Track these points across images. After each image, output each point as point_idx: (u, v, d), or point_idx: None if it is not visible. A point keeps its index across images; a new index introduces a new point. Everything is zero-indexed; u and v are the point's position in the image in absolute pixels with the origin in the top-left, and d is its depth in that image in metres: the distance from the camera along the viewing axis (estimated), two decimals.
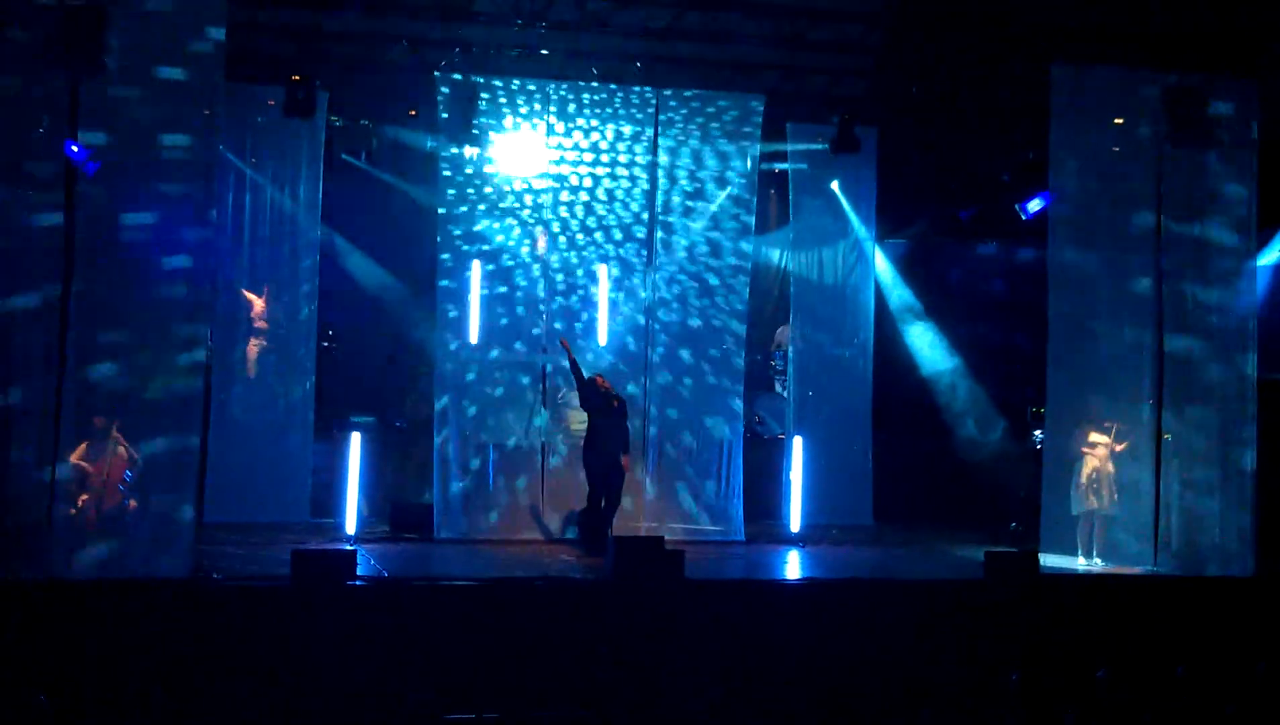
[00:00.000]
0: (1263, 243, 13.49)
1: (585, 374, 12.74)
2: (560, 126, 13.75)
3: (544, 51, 14.02)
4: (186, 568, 10.18)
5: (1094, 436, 12.67)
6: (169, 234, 10.45)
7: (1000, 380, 16.06)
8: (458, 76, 13.47)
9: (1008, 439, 15.77)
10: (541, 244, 13.73)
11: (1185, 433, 12.65)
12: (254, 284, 14.01)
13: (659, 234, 13.99)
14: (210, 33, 10.56)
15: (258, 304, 14.00)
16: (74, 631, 9.26)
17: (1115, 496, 12.56)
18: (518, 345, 13.60)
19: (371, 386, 14.95)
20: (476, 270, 13.51)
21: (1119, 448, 12.62)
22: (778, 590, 11.64)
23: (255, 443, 13.73)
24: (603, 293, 13.85)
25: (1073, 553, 12.66)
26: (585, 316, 13.82)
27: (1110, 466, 12.59)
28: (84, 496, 10.32)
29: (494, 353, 13.51)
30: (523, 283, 13.67)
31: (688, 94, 14.11)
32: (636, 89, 14.02)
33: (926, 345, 16.43)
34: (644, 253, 13.97)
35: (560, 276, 13.77)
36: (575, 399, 13.15)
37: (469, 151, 13.52)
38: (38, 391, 10.08)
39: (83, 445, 10.30)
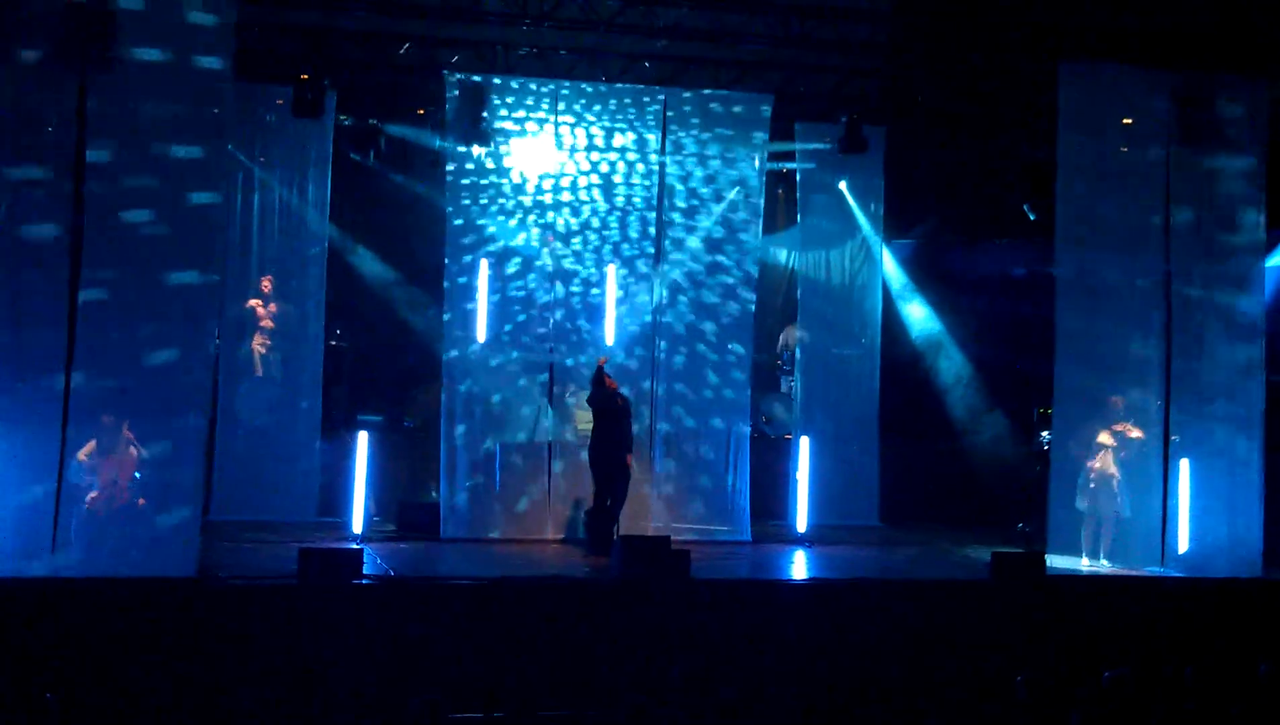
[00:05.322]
0: (1272, 244, 13.44)
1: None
2: (568, 126, 13.75)
3: (552, 51, 14.02)
4: (194, 566, 10.20)
5: (1103, 437, 12.63)
6: (177, 234, 10.46)
7: (1009, 380, 16.00)
8: (466, 76, 13.48)
9: (1014, 439, 15.72)
10: (549, 242, 13.74)
11: (1193, 434, 12.61)
12: (260, 280, 14.04)
13: (666, 233, 14.00)
14: (219, 32, 10.57)
15: (266, 304, 14.03)
16: (81, 630, 9.29)
17: (1121, 498, 12.52)
18: (525, 343, 13.61)
19: (379, 386, 14.97)
20: (484, 269, 13.49)
21: (1134, 434, 12.53)
22: (784, 590, 11.66)
23: (263, 442, 13.76)
24: (610, 292, 13.83)
25: (1079, 554, 12.63)
26: (593, 316, 13.81)
27: (1116, 469, 12.55)
28: (92, 494, 10.34)
29: (501, 352, 13.51)
30: (530, 282, 13.66)
31: (698, 94, 14.11)
32: (644, 88, 14.04)
33: (930, 341, 16.39)
34: (651, 252, 13.97)
35: (568, 276, 13.78)
36: (582, 398, 13.16)
37: (477, 151, 13.51)
38: (45, 389, 10.11)
39: (91, 444, 10.31)
